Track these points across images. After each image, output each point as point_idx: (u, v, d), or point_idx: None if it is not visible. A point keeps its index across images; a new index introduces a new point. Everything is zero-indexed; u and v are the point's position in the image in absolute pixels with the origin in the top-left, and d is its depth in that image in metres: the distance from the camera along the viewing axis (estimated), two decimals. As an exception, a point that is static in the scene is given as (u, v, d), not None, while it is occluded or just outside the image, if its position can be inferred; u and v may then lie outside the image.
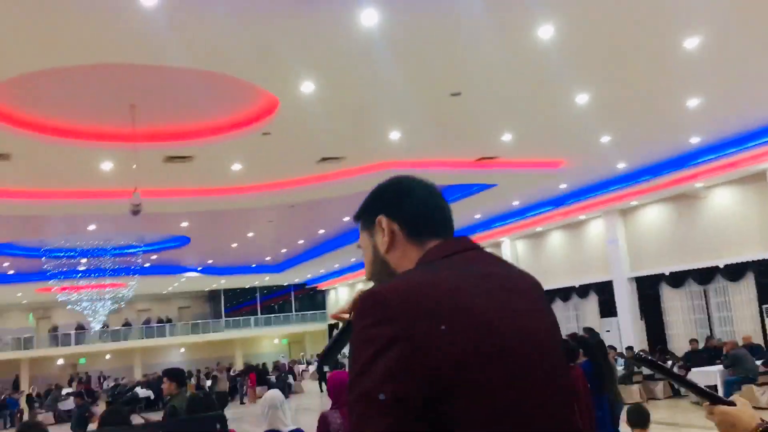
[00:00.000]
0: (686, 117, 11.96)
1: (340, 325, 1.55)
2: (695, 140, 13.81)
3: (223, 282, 37.22)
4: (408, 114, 10.64)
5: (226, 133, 11.15)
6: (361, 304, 1.18)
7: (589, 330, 15.37)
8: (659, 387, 15.18)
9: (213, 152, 11.91)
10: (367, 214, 1.44)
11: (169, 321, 40.46)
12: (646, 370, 15.12)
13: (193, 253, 25.16)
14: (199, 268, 30.14)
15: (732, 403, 1.76)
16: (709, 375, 13.07)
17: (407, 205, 1.38)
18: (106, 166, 12.07)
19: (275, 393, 4.56)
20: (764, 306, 15.39)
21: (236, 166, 12.91)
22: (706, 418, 1.81)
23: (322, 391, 25.14)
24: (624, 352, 16.59)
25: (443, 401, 1.10)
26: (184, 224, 18.48)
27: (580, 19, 7.82)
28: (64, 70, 8.21)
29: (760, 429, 1.69)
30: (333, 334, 1.56)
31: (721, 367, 13.28)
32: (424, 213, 1.38)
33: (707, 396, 1.81)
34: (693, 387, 1.83)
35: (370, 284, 1.33)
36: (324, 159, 12.79)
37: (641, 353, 1.80)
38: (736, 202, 16.40)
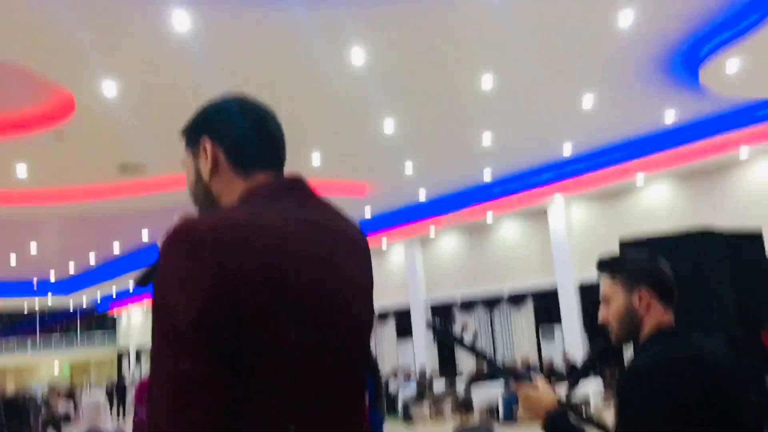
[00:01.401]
0: (481, 150, 12.93)
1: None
2: (488, 175, 14.97)
3: (-2, 303, 33.47)
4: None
5: (10, 131, 10.14)
6: (171, 235, 1.10)
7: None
8: (448, 405, 16.03)
9: (-6, 151, 10.77)
10: (191, 132, 1.33)
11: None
12: (436, 390, 15.90)
13: (-39, 267, 22.39)
14: (-33, 285, 26.88)
15: (534, 384, 1.93)
16: (490, 393, 14.01)
17: (234, 131, 1.29)
18: None
19: (97, 397, 4.70)
20: (540, 328, 16.96)
21: (21, 169, 11.74)
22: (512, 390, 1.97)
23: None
24: (417, 374, 17.33)
25: (241, 343, 1.07)
26: (-47, 232, 16.43)
27: (388, 46, 8.20)
28: None
29: (558, 410, 1.85)
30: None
31: (499, 386, 14.30)
32: (253, 141, 1.29)
33: (507, 374, 1.98)
34: (492, 364, 1.98)
35: None
36: (124, 166, 12.07)
37: (435, 323, 1.89)
38: (521, 234, 18.00)
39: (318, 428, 1.15)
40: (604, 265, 1.93)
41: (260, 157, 1.30)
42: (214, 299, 1.05)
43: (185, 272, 1.06)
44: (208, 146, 1.29)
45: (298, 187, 1.29)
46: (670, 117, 11.96)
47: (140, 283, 1.37)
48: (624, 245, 3.42)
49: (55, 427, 12.25)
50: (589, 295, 16.04)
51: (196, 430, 1.03)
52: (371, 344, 1.37)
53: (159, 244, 1.16)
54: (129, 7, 6.74)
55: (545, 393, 1.88)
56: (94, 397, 4.11)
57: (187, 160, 1.35)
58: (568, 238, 16.59)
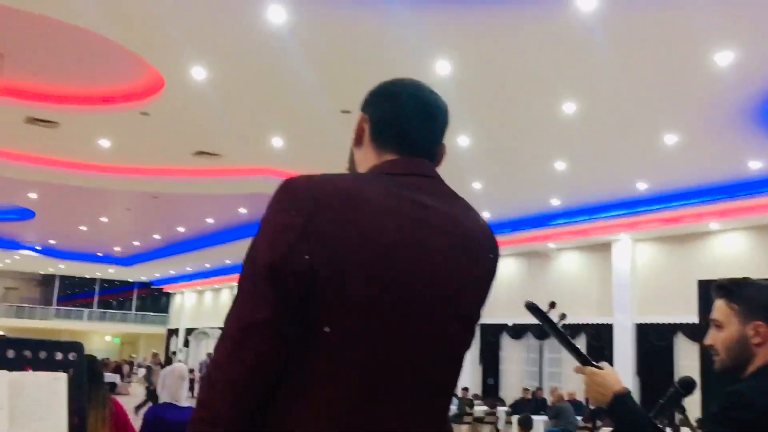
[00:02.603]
0: (553, 178, 12.76)
1: None
2: (556, 202, 14.75)
3: (62, 267, 34.74)
4: (296, 123, 10.58)
5: (101, 104, 10.55)
6: (279, 187, 1.19)
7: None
8: (486, 431, 15.80)
9: (82, 122, 11.21)
10: (364, 102, 1.43)
11: (-9, 299, 37.19)
12: (477, 412, 15.70)
13: (35, 229, 23.31)
14: (38, 248, 27.97)
15: (600, 367, 1.92)
16: (535, 422, 13.75)
17: (384, 110, 1.36)
18: (-42, 114, 11.02)
19: (182, 366, 4.62)
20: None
21: (104, 143, 12.21)
22: (574, 371, 1.97)
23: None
24: (459, 392, 17.15)
25: (313, 299, 1.12)
26: (32, 195, 17.13)
27: (473, 62, 8.19)
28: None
29: (625, 391, 1.83)
30: None
31: (545, 417, 14.03)
32: (398, 124, 1.33)
33: (582, 358, 1.95)
34: (572, 348, 1.94)
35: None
36: (200, 153, 12.40)
37: (531, 302, 1.90)
38: (581, 267, 17.64)
39: (378, 408, 1.14)
40: (722, 290, 1.88)
41: (399, 139, 1.33)
42: (294, 252, 1.11)
43: (276, 221, 1.16)
44: (360, 117, 1.39)
45: (421, 171, 1.31)
46: (754, 167, 11.55)
47: None
48: (704, 284, 3.31)
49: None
50: (645, 338, 15.60)
51: (245, 372, 1.10)
52: (464, 348, 1.31)
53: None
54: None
55: (613, 376, 1.88)
56: (177, 365, 4.19)
57: None
58: (630, 277, 16.16)
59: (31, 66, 9.59)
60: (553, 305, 1.89)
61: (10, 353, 1.66)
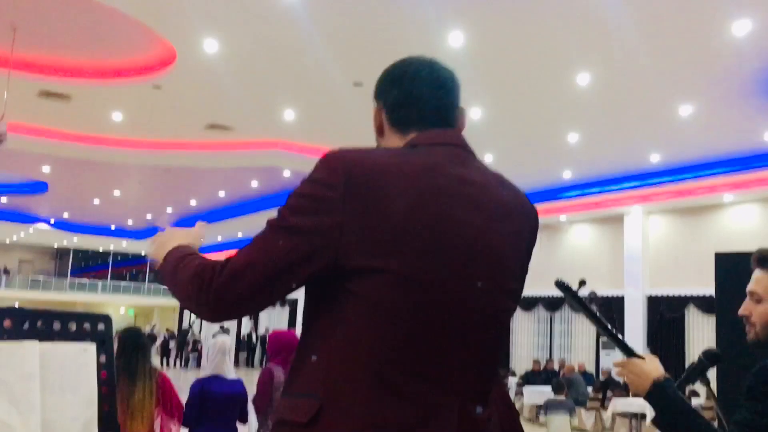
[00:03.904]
0: (565, 150, 12.69)
1: None
2: (567, 175, 14.69)
3: (75, 240, 35.04)
4: (307, 95, 10.55)
5: (113, 78, 10.56)
6: (320, 160, 1.21)
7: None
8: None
9: (94, 95, 11.22)
10: (374, 93, 1.44)
11: (6, 272, 37.58)
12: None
13: (48, 203, 23.49)
14: (51, 221, 28.21)
15: (642, 357, 1.90)
16: (543, 394, 13.85)
17: (395, 94, 1.37)
18: (-29, 88, 11.04)
19: (226, 339, 4.69)
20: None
21: (117, 116, 12.24)
22: (614, 365, 1.95)
23: (164, 366, 24.27)
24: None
25: (345, 278, 1.15)
26: (46, 169, 17.22)
27: (487, 34, 8.12)
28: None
29: (663, 378, 1.82)
30: None
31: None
32: (411, 102, 1.35)
33: (622, 347, 1.92)
34: (610, 333, 1.91)
35: None
36: (212, 126, 12.41)
37: (561, 280, 1.85)
38: (593, 239, 17.61)
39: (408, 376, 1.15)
40: (764, 261, 1.84)
41: (418, 116, 1.34)
42: (324, 228, 1.15)
43: (314, 185, 1.18)
44: (375, 107, 1.41)
45: (453, 142, 1.32)
46: (769, 138, 11.45)
47: None
48: (721, 257, 3.31)
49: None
50: (656, 310, 15.62)
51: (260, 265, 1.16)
52: (508, 316, 1.32)
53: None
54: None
55: (654, 365, 1.85)
56: (221, 338, 4.21)
57: None
58: (642, 249, 16.13)
59: (44, 39, 9.58)
60: (583, 283, 1.85)
61: (40, 324, 1.70)
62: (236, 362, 25.98)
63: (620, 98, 9.98)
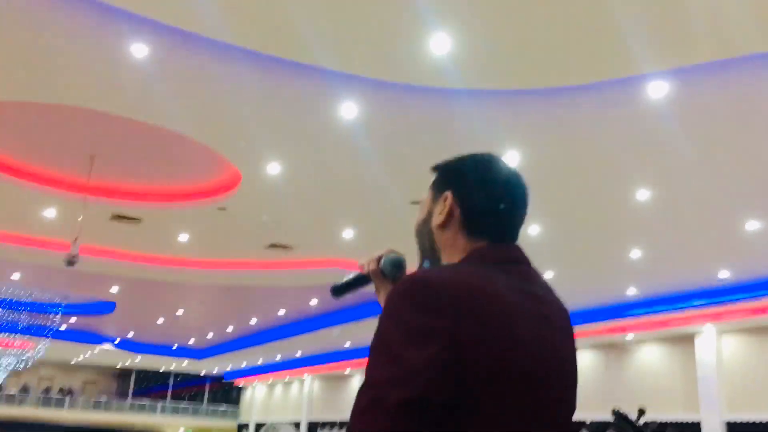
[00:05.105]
0: (628, 267, 12.41)
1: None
2: (632, 292, 14.27)
3: (138, 360, 35.44)
4: (365, 214, 10.77)
5: (181, 200, 11.05)
6: (409, 284, 1.12)
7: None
8: None
9: (163, 218, 11.73)
10: (441, 176, 1.38)
11: (70, 393, 38.04)
12: None
13: (115, 322, 24.05)
14: (116, 341, 28.75)
15: None
16: None
17: (479, 198, 1.31)
18: (50, 213, 11.71)
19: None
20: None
21: (183, 237, 12.69)
22: None
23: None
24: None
25: (460, 410, 1.05)
26: (114, 289, 17.80)
27: (544, 151, 8.22)
28: (30, 105, 8.11)
29: None
30: (353, 277, 1.58)
31: None
32: (492, 213, 1.30)
33: None
34: None
35: None
36: (273, 245, 12.71)
37: (618, 409, 1.71)
38: (662, 360, 16.79)
39: None
40: None
41: (493, 229, 1.31)
42: (443, 358, 1.04)
43: (418, 326, 1.06)
44: (449, 200, 1.33)
45: (521, 259, 1.29)
46: None
47: (335, 292, 1.53)
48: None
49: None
50: (738, 438, 14.54)
51: None
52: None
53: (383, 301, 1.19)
54: (303, 96, 7.25)
55: None
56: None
57: (427, 197, 1.40)
58: (717, 371, 15.26)
59: (118, 166, 10.19)
60: (642, 413, 1.72)
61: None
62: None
63: (682, 214, 9.83)
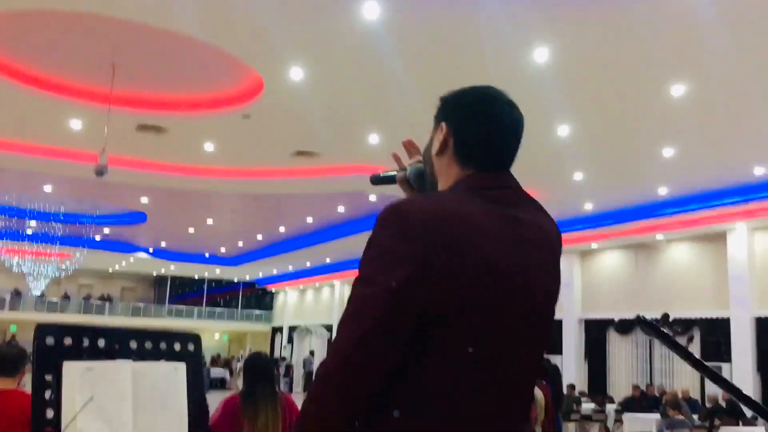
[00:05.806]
0: (659, 166, 12.17)
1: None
2: (663, 191, 14.08)
3: (173, 268, 36.46)
4: (391, 118, 10.59)
5: (205, 109, 10.94)
6: (387, 213, 1.22)
7: (546, 359, 15.43)
8: (595, 429, 15.29)
9: (188, 127, 11.67)
10: (440, 109, 1.44)
11: (109, 299, 39.44)
12: (585, 410, 15.22)
13: (147, 233, 24.57)
14: (150, 250, 29.47)
15: None
16: (645, 421, 13.20)
17: (471, 128, 1.38)
18: (76, 124, 11.71)
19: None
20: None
21: (209, 146, 12.67)
22: None
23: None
24: (564, 389, 16.68)
25: (429, 329, 1.18)
26: (144, 200, 18.04)
27: (574, 47, 7.90)
28: (50, 14, 7.95)
29: None
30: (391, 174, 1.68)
31: (657, 414, 13.42)
32: (484, 143, 1.37)
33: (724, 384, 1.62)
34: (704, 368, 1.62)
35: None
36: (299, 153, 12.65)
37: (641, 316, 1.60)
38: (693, 259, 16.76)
39: (489, 410, 1.22)
40: None
41: (484, 158, 1.37)
42: (411, 282, 1.15)
43: (390, 251, 1.19)
44: (444, 130, 1.41)
45: (506, 185, 1.36)
46: None
47: (374, 181, 1.71)
48: None
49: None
50: (767, 332, 14.64)
51: (353, 390, 1.17)
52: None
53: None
54: (324, -3, 6.99)
55: None
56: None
57: (432, 128, 1.48)
58: (749, 268, 15.20)
59: (141, 75, 10.05)
60: (666, 318, 1.63)
61: (133, 344, 1.72)
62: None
63: (718, 109, 9.49)
